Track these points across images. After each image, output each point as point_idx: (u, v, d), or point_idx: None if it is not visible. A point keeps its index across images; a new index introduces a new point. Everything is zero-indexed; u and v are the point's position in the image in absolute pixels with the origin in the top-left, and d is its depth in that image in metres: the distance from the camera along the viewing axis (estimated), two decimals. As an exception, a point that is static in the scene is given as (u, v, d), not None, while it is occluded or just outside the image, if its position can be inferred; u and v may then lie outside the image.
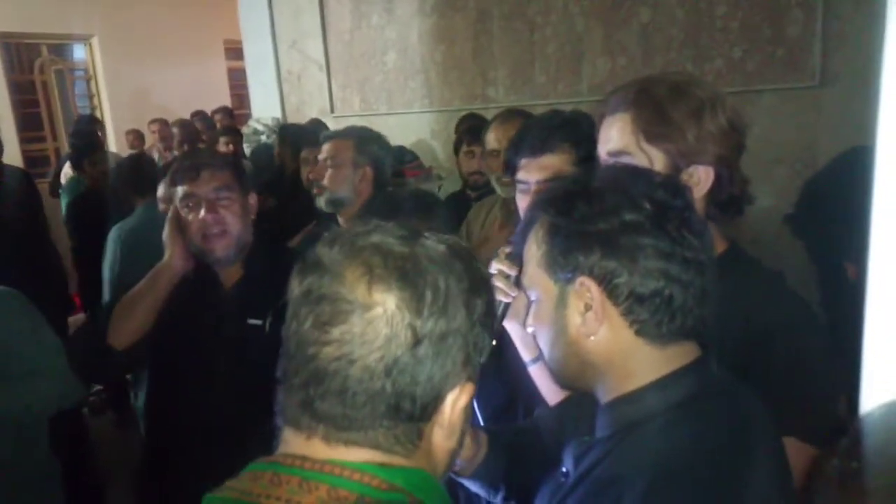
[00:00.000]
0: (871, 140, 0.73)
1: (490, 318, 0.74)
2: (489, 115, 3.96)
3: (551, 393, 1.28)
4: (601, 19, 4.15)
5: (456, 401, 0.71)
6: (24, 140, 7.62)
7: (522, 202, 1.46)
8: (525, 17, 4.43)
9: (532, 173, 1.44)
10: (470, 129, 3.22)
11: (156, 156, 5.84)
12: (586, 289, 0.83)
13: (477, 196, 3.08)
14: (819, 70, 3.46)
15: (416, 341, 0.66)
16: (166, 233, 1.69)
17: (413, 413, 0.68)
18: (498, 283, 1.25)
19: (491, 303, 0.75)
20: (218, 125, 6.46)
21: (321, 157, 2.27)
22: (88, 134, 5.50)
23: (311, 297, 0.68)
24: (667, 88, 1.14)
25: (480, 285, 0.73)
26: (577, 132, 1.44)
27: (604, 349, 0.85)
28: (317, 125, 4.72)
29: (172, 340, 1.64)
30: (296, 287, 0.71)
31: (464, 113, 4.31)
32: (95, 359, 1.66)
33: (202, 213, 1.66)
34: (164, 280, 1.65)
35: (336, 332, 0.66)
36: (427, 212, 1.54)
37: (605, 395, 0.88)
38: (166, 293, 1.65)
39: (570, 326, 0.85)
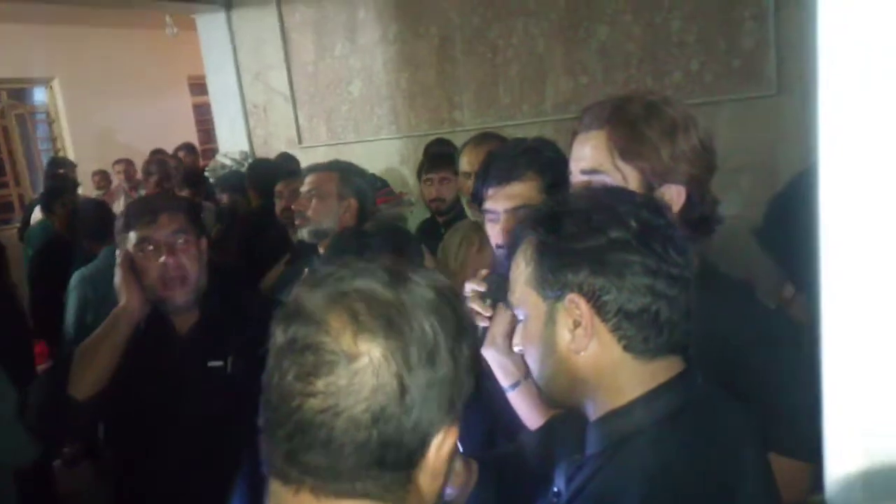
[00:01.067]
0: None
1: (475, 361, 0.74)
2: (456, 138, 4.00)
3: (532, 418, 1.27)
4: (561, 39, 4.21)
5: (441, 445, 0.70)
6: (-14, 187, 7.52)
7: (492, 231, 1.46)
8: (487, 40, 4.49)
9: (500, 202, 1.44)
10: (429, 158, 3.25)
11: (122, 197, 5.77)
12: (575, 305, 0.84)
13: (445, 221, 3.09)
14: (775, 79, 3.54)
15: (403, 391, 0.65)
16: (118, 277, 1.63)
17: (399, 461, 0.68)
18: (473, 304, 1.24)
19: (476, 347, 0.74)
20: (182, 162, 6.41)
21: (304, 188, 2.28)
22: (62, 176, 5.42)
23: (295, 346, 0.66)
24: (641, 107, 1.15)
25: (466, 330, 0.73)
26: (541, 159, 1.45)
27: (592, 364, 0.86)
28: (287, 159, 4.70)
29: (130, 388, 1.60)
30: (279, 335, 0.69)
31: (432, 138, 4.33)
32: (55, 412, 1.58)
33: (162, 257, 1.62)
34: (124, 325, 1.60)
35: (321, 384, 0.65)
36: (397, 249, 1.53)
37: (594, 410, 0.89)
38: (126, 338, 1.60)
39: (560, 343, 0.87)
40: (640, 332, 0.84)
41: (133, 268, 1.63)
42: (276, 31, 5.32)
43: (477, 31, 4.52)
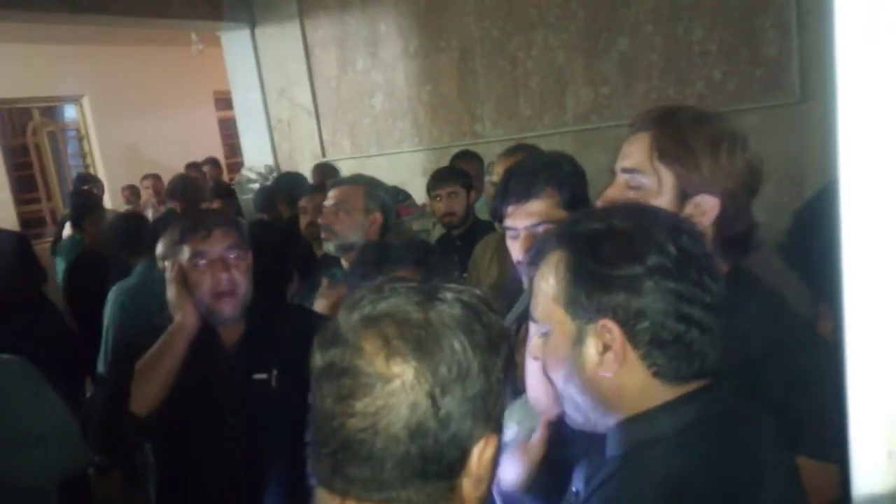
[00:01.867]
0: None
1: (510, 371, 0.76)
2: (478, 150, 4.03)
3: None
4: (581, 51, 4.24)
5: (482, 454, 0.73)
6: (19, 202, 7.67)
7: (513, 247, 1.47)
8: (507, 53, 4.53)
9: (519, 220, 1.45)
10: (434, 174, 3.28)
11: (150, 211, 5.88)
12: (608, 330, 0.82)
13: (460, 234, 3.12)
14: (798, 86, 3.53)
15: (437, 408, 0.69)
16: (173, 293, 1.67)
17: (440, 472, 0.70)
18: None
19: (510, 356, 0.77)
20: (207, 176, 6.52)
21: (329, 202, 2.29)
22: (87, 193, 5.52)
23: (333, 370, 0.71)
24: (690, 115, 1.17)
25: (499, 341, 0.75)
26: (559, 175, 1.46)
27: (619, 386, 0.85)
28: (329, 169, 4.73)
29: (179, 401, 1.64)
30: (318, 360, 0.73)
31: (454, 150, 4.37)
32: (118, 427, 1.63)
33: (215, 271, 1.67)
34: (181, 341, 1.63)
35: (359, 406, 0.69)
36: (419, 262, 1.55)
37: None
38: (183, 354, 1.64)
39: (587, 365, 0.85)
40: (671, 360, 0.83)
41: (185, 283, 1.68)
42: (299, 48, 5.41)
43: (497, 43, 4.56)
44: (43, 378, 1.91)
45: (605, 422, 0.89)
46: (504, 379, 0.75)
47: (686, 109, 1.19)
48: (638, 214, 0.90)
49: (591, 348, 0.84)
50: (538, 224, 1.41)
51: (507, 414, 0.94)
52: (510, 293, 1.73)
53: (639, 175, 1.16)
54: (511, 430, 0.98)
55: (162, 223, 3.09)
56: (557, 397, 0.92)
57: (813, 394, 1.11)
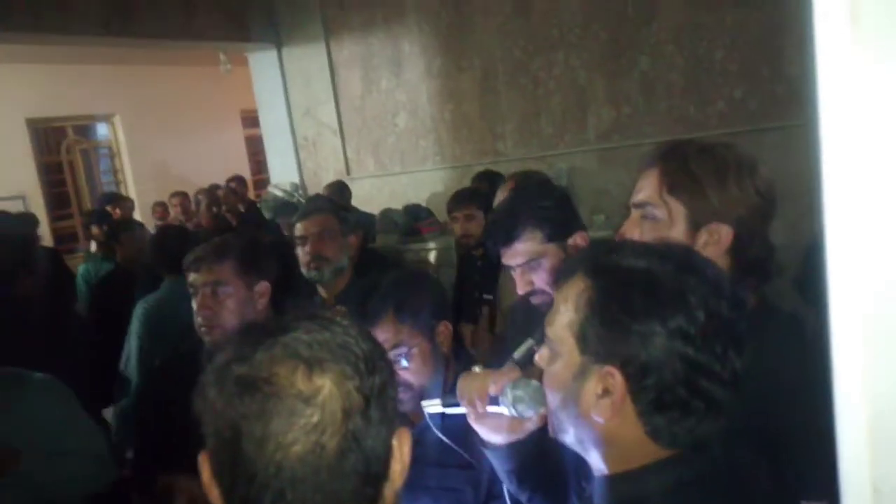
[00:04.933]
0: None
1: (393, 372, 0.78)
2: (500, 168, 4.07)
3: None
4: (602, 70, 4.27)
5: (401, 445, 0.76)
6: (52, 218, 7.88)
7: (517, 278, 1.55)
8: (529, 72, 4.58)
9: (509, 259, 1.54)
10: (453, 196, 3.32)
11: (179, 227, 5.99)
12: (611, 376, 0.80)
13: (481, 254, 3.16)
14: (821, 106, 3.51)
15: (367, 403, 0.70)
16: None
17: (380, 473, 0.73)
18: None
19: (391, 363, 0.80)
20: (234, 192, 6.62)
21: (313, 231, 2.30)
22: (108, 213, 5.59)
23: (258, 412, 0.68)
24: (695, 148, 1.20)
25: (383, 348, 0.79)
26: (537, 214, 1.52)
27: (609, 433, 0.83)
28: (341, 188, 4.80)
29: (182, 427, 1.68)
30: (239, 409, 0.69)
31: (476, 168, 4.41)
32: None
33: (199, 305, 1.74)
34: None
35: (297, 431, 0.67)
36: (404, 299, 1.46)
37: (600, 464, 0.87)
38: None
39: (583, 402, 0.83)
40: (669, 425, 0.80)
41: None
42: (324, 67, 5.52)
43: (519, 63, 4.61)
44: (73, 396, 1.98)
45: (590, 455, 0.88)
46: (393, 379, 0.77)
47: (692, 143, 1.21)
48: (683, 265, 0.83)
49: (591, 388, 0.82)
50: (528, 261, 1.50)
51: (518, 391, 0.98)
52: (517, 321, 1.77)
53: (651, 208, 1.18)
54: (516, 408, 0.98)
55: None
56: (551, 414, 0.92)
57: (822, 432, 1.11)
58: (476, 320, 2.99)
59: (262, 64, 5.88)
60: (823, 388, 1.16)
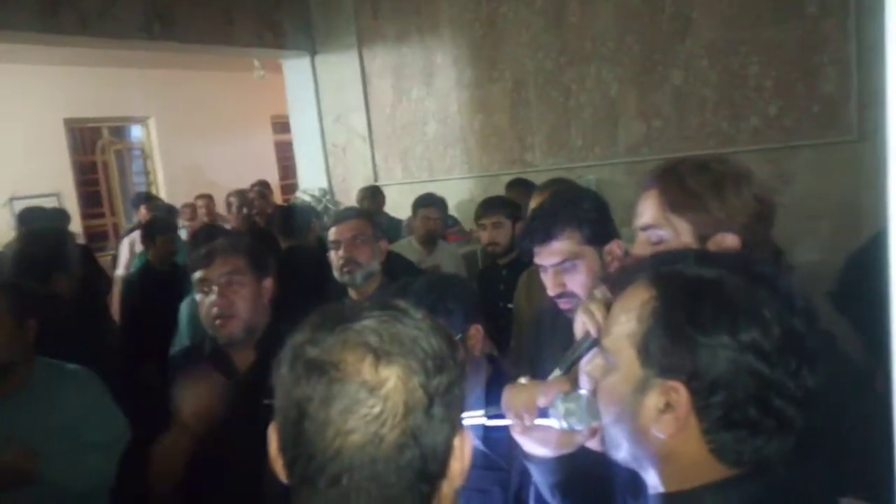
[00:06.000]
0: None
1: (464, 374, 0.77)
2: (528, 178, 4.08)
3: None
4: (634, 83, 4.26)
5: (463, 446, 0.75)
6: (85, 216, 8.04)
7: (546, 280, 1.56)
8: (560, 84, 4.59)
9: (544, 259, 1.54)
10: (481, 204, 3.34)
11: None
12: (676, 391, 0.76)
13: (506, 263, 3.16)
14: (856, 124, 3.48)
15: (430, 401, 0.70)
16: (178, 398, 1.68)
17: (438, 471, 0.72)
18: (594, 309, 1.25)
19: (463, 363, 0.78)
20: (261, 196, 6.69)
21: (346, 236, 2.33)
22: (159, 209, 5.74)
23: (323, 395, 0.69)
24: (690, 165, 1.24)
25: (456, 345, 0.77)
26: (578, 214, 1.54)
27: (669, 450, 0.79)
28: (374, 192, 4.85)
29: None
30: (298, 394, 0.71)
31: (504, 178, 4.42)
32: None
33: (213, 296, 1.75)
34: (182, 445, 1.64)
35: (358, 420, 0.68)
36: (437, 294, 1.49)
37: (657, 481, 0.84)
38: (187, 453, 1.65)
39: (643, 416, 0.79)
40: (735, 444, 0.76)
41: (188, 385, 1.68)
42: (356, 76, 5.59)
43: (550, 75, 4.63)
44: (105, 388, 2.02)
45: (647, 472, 0.84)
46: (464, 374, 0.76)
47: (685, 161, 1.25)
48: (754, 276, 0.79)
49: (652, 403, 0.78)
50: (563, 261, 1.50)
51: (570, 403, 0.93)
52: (541, 325, 1.77)
53: (656, 230, 1.21)
54: (567, 421, 0.97)
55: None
56: (601, 430, 0.89)
57: (864, 435, 1.11)
58: (501, 330, 3.00)
59: (296, 71, 5.96)
60: (854, 402, 1.17)
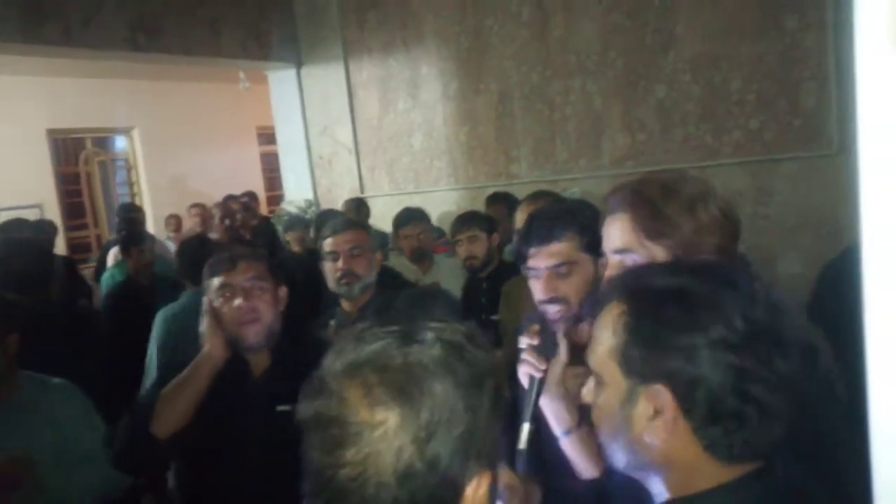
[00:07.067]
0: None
1: (500, 405, 0.77)
2: (513, 191, 4.10)
3: (585, 466, 1.31)
4: (619, 97, 4.31)
5: (476, 491, 0.74)
6: (68, 228, 7.96)
7: (535, 287, 1.53)
8: (545, 97, 4.62)
9: (542, 260, 1.52)
10: (456, 218, 3.35)
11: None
12: (660, 395, 0.80)
13: (486, 276, 3.17)
14: (836, 138, 3.54)
15: (424, 451, 0.70)
16: (205, 324, 1.76)
17: None
18: (528, 358, 1.30)
19: (499, 389, 0.78)
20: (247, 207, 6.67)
21: (346, 247, 2.31)
22: (133, 221, 5.68)
23: (321, 421, 0.73)
24: (658, 188, 1.24)
25: (483, 375, 0.76)
26: (580, 220, 1.54)
27: (667, 456, 0.82)
28: (359, 204, 4.83)
29: (205, 428, 1.69)
30: (306, 410, 0.75)
31: (490, 190, 4.45)
32: (139, 448, 1.69)
33: (237, 301, 1.75)
34: (206, 370, 1.71)
35: (348, 455, 0.70)
36: (421, 309, 1.53)
37: (660, 489, 0.86)
38: (207, 383, 1.71)
39: (635, 427, 0.83)
40: (725, 437, 0.79)
41: (217, 316, 1.76)
42: (342, 88, 5.60)
43: (535, 88, 4.66)
44: (89, 402, 2.00)
45: (650, 482, 0.87)
46: (493, 413, 0.75)
47: (651, 183, 1.26)
48: (715, 277, 0.85)
49: (641, 411, 0.82)
50: (560, 264, 1.49)
51: None
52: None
53: (632, 254, 1.22)
54: None
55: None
56: (602, 447, 0.91)
57: (848, 451, 1.12)
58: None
59: (282, 82, 5.96)
60: (837, 415, 1.18)
